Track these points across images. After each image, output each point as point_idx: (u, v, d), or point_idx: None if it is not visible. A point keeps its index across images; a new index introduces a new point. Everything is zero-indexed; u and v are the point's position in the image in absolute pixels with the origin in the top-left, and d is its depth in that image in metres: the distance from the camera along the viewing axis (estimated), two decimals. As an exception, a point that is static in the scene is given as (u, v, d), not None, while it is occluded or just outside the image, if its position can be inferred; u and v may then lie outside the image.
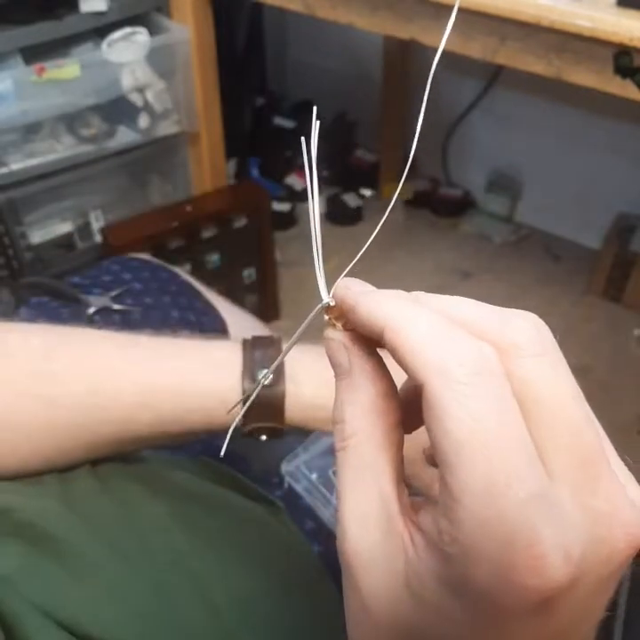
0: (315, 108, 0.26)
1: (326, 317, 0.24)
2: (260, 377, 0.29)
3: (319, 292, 0.25)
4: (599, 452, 0.19)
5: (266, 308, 1.60)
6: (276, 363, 0.29)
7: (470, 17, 0.95)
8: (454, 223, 1.98)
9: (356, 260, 0.26)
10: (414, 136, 0.22)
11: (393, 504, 0.21)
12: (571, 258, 1.86)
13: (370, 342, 0.23)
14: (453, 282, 1.78)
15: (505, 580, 0.17)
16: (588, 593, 0.18)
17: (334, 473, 0.68)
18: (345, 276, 0.25)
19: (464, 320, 0.20)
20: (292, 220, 1.92)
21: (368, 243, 0.25)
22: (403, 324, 0.20)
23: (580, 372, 1.56)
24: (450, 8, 0.96)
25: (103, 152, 1.40)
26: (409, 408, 0.23)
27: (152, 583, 0.40)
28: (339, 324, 0.23)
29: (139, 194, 1.59)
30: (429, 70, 0.22)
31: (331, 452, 0.71)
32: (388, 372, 0.23)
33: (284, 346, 0.45)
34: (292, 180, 2.00)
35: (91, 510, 0.43)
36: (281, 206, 1.89)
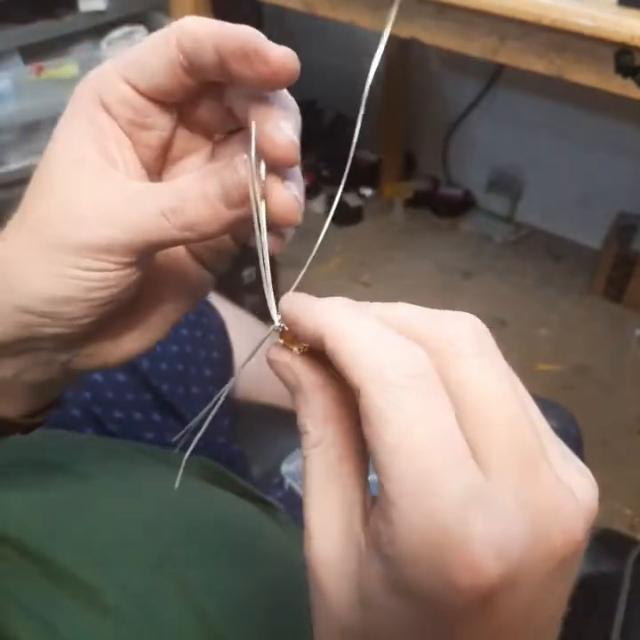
0: (253, 125, 0.24)
1: (281, 342, 0.24)
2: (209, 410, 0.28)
3: (270, 314, 0.25)
4: (536, 448, 0.19)
5: (266, 308, 1.59)
6: (229, 383, 0.29)
7: (470, 16, 0.95)
8: (454, 223, 1.98)
9: (303, 270, 0.26)
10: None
11: (356, 510, 0.21)
12: (571, 257, 1.86)
13: (318, 356, 0.23)
14: (454, 282, 1.78)
15: (440, 579, 0.17)
16: (530, 589, 0.18)
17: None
18: (294, 289, 0.25)
19: (401, 324, 0.21)
20: (291, 220, 1.92)
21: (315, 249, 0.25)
22: (339, 330, 0.20)
23: (581, 371, 1.56)
24: (451, 7, 0.95)
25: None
26: None
27: (135, 586, 0.40)
28: (295, 348, 0.23)
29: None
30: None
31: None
32: (340, 378, 0.22)
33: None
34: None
35: (71, 513, 0.43)
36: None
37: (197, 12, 1.34)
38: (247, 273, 1.55)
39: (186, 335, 0.69)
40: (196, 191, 0.25)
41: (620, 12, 0.87)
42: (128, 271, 0.26)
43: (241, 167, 0.25)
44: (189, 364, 0.68)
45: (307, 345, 0.23)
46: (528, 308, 1.71)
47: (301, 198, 0.27)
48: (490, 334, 0.21)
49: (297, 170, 0.26)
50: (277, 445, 0.74)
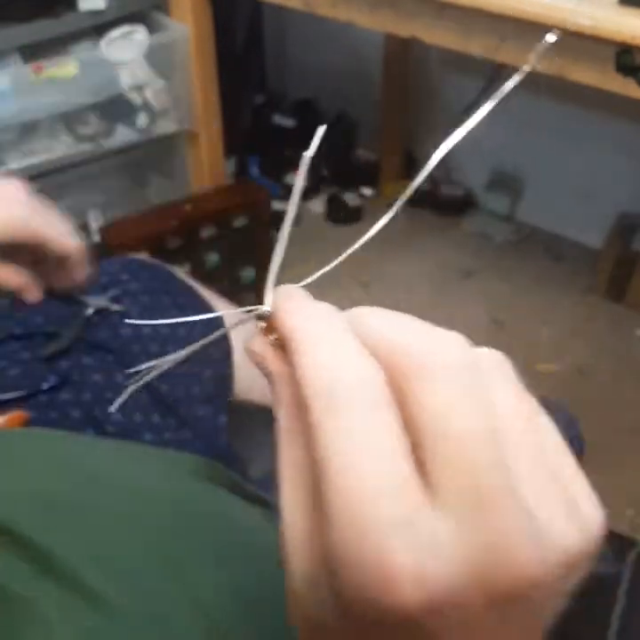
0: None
1: (262, 325, 0.23)
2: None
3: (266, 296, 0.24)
4: (498, 488, 0.18)
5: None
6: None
7: (471, 15, 0.95)
8: (455, 222, 1.97)
9: (324, 270, 0.26)
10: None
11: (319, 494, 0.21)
12: (572, 257, 1.85)
13: None
14: (454, 281, 1.77)
15: (362, 595, 0.18)
16: (466, 620, 0.18)
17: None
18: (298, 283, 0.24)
19: (376, 336, 0.20)
20: (291, 220, 1.91)
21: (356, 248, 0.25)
22: (300, 337, 0.20)
23: (582, 372, 1.56)
24: (452, 6, 0.95)
25: (101, 151, 1.39)
26: None
27: (140, 586, 0.40)
28: (272, 337, 0.23)
29: (137, 193, 1.58)
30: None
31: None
32: None
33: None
34: (292, 178, 2.00)
35: (76, 509, 0.43)
36: (281, 205, 1.88)
37: (197, 12, 1.33)
38: (246, 273, 1.55)
39: (184, 335, 0.69)
40: None
41: (621, 11, 0.86)
42: None
43: None
44: (189, 364, 0.68)
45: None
46: (528, 307, 1.70)
47: None
48: (472, 355, 0.20)
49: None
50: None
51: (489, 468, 0.18)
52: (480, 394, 0.19)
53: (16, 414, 0.61)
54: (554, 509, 0.19)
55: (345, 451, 0.18)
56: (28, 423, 0.61)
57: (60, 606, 0.37)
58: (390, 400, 0.19)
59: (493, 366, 0.21)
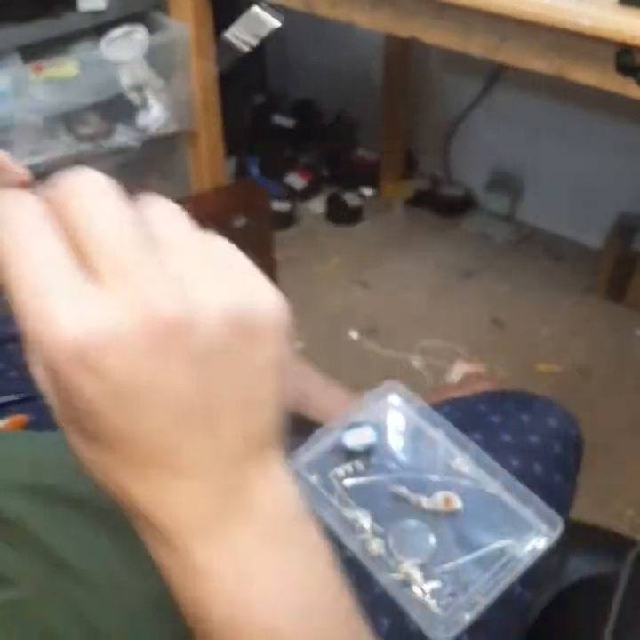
0: None
1: None
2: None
3: None
4: (129, 258, 0.24)
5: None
6: None
7: (471, 15, 0.95)
8: (455, 222, 1.97)
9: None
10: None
11: None
12: (572, 257, 1.85)
13: None
14: (454, 281, 1.77)
15: (50, 352, 0.23)
16: (128, 356, 0.23)
17: (335, 476, 0.68)
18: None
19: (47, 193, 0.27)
20: (291, 220, 1.91)
21: None
22: None
23: (582, 372, 1.56)
24: (452, 6, 0.95)
25: (102, 151, 1.39)
26: None
27: (131, 582, 0.41)
28: None
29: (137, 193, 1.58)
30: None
31: (333, 451, 0.70)
32: None
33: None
34: (292, 178, 2.00)
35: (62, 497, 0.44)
36: (280, 205, 1.89)
37: (197, 12, 1.33)
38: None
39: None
40: None
41: (621, 11, 0.86)
42: None
43: None
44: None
45: None
46: (528, 307, 1.70)
47: None
48: (101, 183, 0.26)
49: None
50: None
51: (115, 239, 0.24)
52: (103, 203, 0.25)
53: (17, 418, 0.62)
54: (212, 285, 0.25)
55: (19, 252, 0.24)
56: (28, 426, 0.61)
57: (46, 583, 0.39)
58: (53, 222, 0.25)
59: (161, 208, 0.29)
